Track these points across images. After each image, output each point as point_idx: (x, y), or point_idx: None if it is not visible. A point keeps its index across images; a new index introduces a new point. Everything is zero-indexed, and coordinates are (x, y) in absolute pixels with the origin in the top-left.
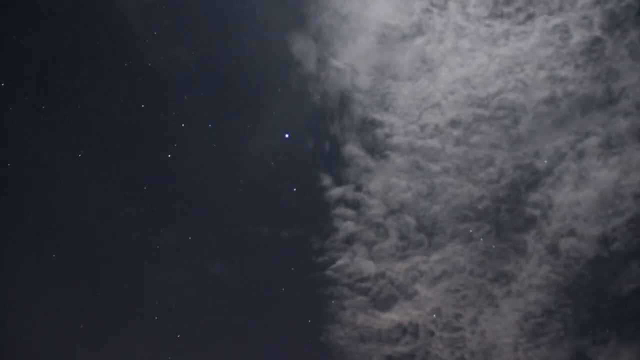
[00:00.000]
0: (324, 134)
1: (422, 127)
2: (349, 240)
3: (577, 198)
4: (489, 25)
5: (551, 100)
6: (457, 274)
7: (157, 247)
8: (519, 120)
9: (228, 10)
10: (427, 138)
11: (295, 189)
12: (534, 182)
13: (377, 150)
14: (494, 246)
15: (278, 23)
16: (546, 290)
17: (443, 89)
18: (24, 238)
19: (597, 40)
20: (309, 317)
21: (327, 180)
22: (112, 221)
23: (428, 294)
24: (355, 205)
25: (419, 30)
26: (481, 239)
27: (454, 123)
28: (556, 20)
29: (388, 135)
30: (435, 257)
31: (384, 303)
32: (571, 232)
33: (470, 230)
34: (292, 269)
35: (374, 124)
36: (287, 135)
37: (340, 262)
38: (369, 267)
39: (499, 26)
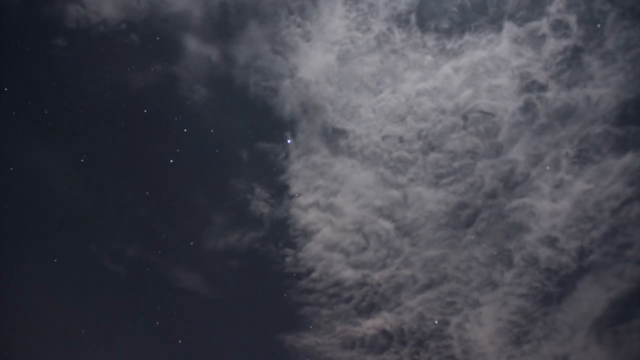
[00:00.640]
0: (293, 142)
1: (386, 137)
2: (327, 247)
3: (555, 208)
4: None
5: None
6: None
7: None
8: (492, 129)
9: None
10: (396, 148)
11: (266, 195)
12: (512, 190)
13: (347, 156)
14: (478, 254)
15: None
16: (531, 298)
17: (406, 100)
18: None
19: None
20: (286, 325)
21: (297, 187)
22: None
23: (410, 303)
24: (331, 212)
25: (378, 44)
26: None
27: (421, 133)
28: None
29: (352, 144)
30: (415, 265)
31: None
32: (551, 243)
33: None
34: (267, 277)
35: (341, 132)
36: (289, 141)
37: (317, 272)
38: (349, 275)
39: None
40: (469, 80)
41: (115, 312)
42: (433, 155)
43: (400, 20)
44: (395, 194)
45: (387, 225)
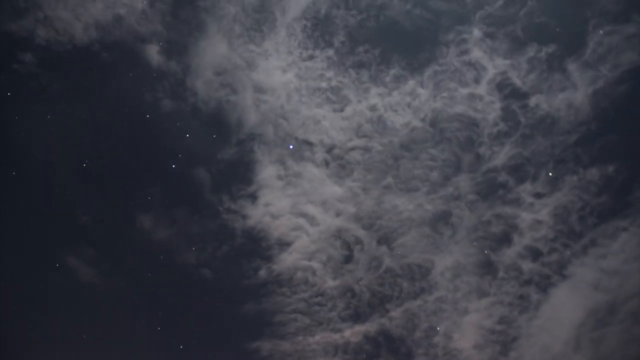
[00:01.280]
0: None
1: (355, 148)
2: (304, 257)
3: (536, 218)
4: None
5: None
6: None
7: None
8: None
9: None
10: (365, 158)
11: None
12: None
13: (315, 166)
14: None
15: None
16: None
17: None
18: None
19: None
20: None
21: (269, 196)
22: None
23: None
24: (305, 221)
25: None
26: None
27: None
28: None
29: (320, 155)
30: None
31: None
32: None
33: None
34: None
35: (307, 144)
36: (291, 146)
37: (294, 281)
38: (328, 284)
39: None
40: (438, 91)
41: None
42: (406, 165)
43: (362, 34)
44: (369, 202)
45: (363, 233)
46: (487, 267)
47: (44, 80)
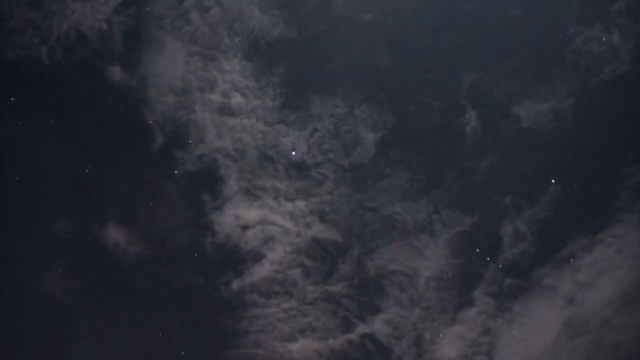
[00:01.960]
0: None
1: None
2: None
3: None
4: None
5: None
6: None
7: None
8: None
9: None
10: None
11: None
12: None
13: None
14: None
15: None
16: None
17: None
18: None
19: None
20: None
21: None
22: None
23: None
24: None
25: None
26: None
27: None
28: None
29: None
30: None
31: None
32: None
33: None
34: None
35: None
36: (293, 152)
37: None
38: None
39: None
40: None
41: None
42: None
43: None
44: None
45: (339, 239)
46: (468, 278)
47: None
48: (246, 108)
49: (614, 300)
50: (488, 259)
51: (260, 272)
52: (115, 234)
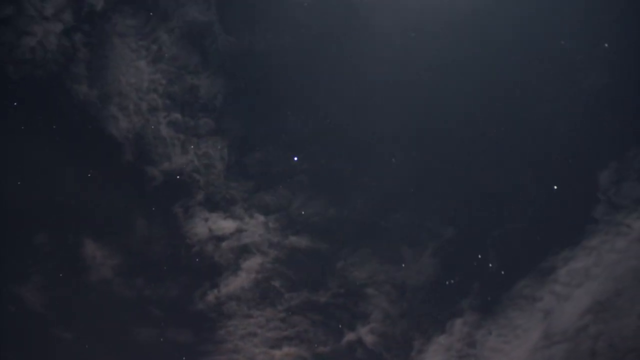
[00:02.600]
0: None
1: None
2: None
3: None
4: None
5: None
6: None
7: None
8: None
9: None
10: None
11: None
12: None
13: None
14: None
15: None
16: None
17: None
18: None
19: None
20: None
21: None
22: None
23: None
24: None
25: None
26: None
27: None
28: None
29: None
30: None
31: None
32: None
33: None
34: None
35: None
36: (295, 158)
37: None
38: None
39: None
40: None
41: None
42: None
43: None
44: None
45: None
46: (452, 289)
47: None
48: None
49: (591, 309)
50: (471, 270)
51: (238, 281)
52: (90, 249)
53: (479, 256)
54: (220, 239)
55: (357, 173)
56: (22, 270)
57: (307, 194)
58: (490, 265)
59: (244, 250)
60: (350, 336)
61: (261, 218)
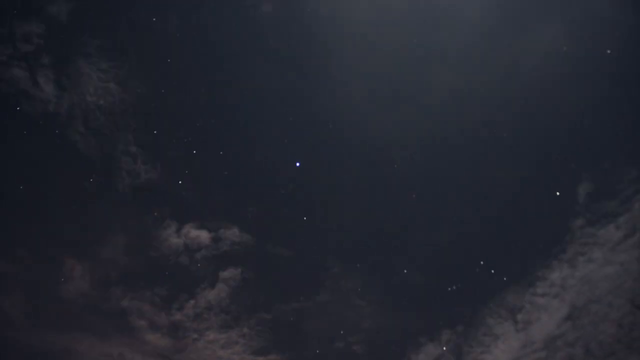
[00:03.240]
0: None
1: None
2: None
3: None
4: None
5: None
6: None
7: None
8: None
9: None
10: None
11: None
12: None
13: None
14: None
15: None
16: None
17: None
18: None
19: None
20: None
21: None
22: None
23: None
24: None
25: None
26: None
27: None
28: None
29: None
30: None
31: None
32: None
33: None
34: None
35: None
36: (297, 164)
37: None
38: None
39: None
40: None
41: None
42: None
43: None
44: None
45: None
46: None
47: None
48: None
49: (569, 316)
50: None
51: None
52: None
53: (462, 268)
54: (194, 249)
55: None
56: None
57: None
58: (473, 276)
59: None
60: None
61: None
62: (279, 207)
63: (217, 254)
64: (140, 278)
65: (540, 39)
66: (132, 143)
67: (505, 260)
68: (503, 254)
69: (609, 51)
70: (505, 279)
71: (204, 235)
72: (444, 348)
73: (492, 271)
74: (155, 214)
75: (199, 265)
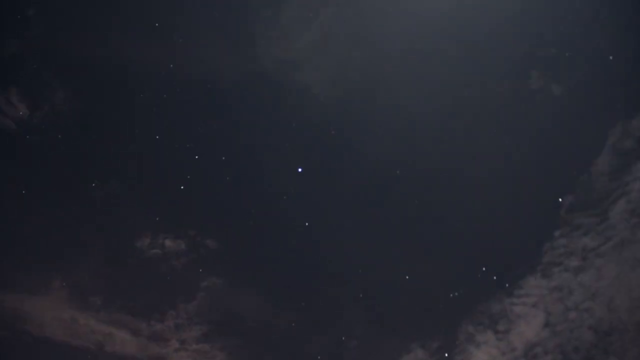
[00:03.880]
0: None
1: None
2: None
3: None
4: None
5: None
6: None
7: None
8: None
9: None
10: None
11: None
12: None
13: None
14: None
15: None
16: None
17: None
18: None
19: None
20: None
21: None
22: None
23: None
24: None
25: None
26: None
27: None
28: None
29: None
30: None
31: None
32: None
33: None
34: None
35: None
36: (300, 170)
37: None
38: None
39: None
40: None
41: None
42: None
43: None
44: None
45: None
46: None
47: None
48: None
49: (547, 324)
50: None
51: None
52: None
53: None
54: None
55: None
56: None
57: None
58: (453, 286)
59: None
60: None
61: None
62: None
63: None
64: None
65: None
66: None
67: (484, 271)
68: (482, 264)
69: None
70: (485, 288)
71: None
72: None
73: (472, 281)
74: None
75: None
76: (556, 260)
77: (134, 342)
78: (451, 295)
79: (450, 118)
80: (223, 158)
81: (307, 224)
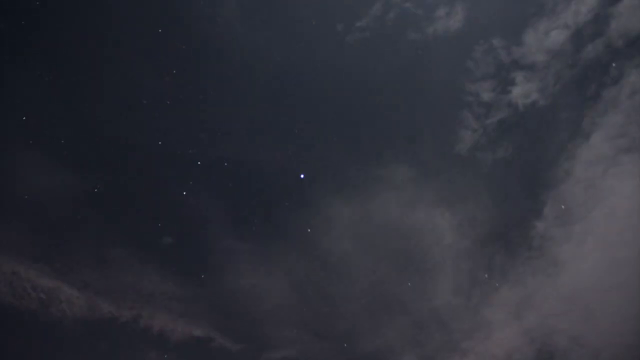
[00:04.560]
0: None
1: None
2: None
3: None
4: None
5: None
6: None
7: None
8: None
9: None
10: None
11: None
12: None
13: None
14: None
15: None
16: None
17: None
18: None
19: None
20: None
21: None
22: None
23: None
24: None
25: None
26: None
27: None
28: None
29: None
30: None
31: None
32: None
33: None
34: None
35: None
36: (302, 176)
37: None
38: None
39: None
40: None
41: None
42: None
43: None
44: None
45: None
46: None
47: None
48: None
49: (526, 332)
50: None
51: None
52: None
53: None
54: None
55: None
56: None
57: None
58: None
59: None
60: None
61: None
62: None
63: None
64: None
65: None
66: None
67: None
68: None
69: None
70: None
71: None
72: None
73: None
74: None
75: None
76: (535, 268)
77: None
78: None
79: None
80: None
81: None
